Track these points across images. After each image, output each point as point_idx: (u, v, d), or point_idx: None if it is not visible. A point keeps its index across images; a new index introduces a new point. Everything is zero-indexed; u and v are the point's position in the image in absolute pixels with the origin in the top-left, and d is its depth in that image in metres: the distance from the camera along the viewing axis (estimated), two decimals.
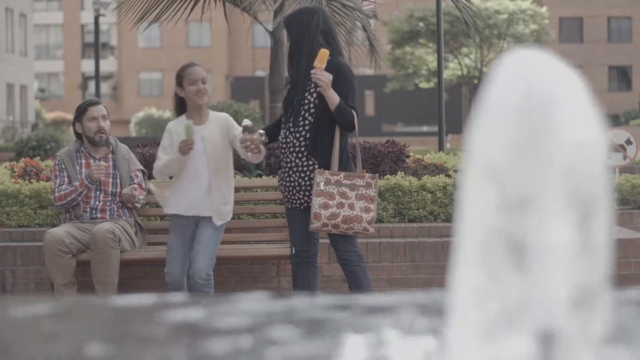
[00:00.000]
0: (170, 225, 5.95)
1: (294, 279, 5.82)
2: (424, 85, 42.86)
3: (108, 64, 61.30)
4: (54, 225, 6.98)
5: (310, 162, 5.54)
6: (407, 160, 8.27)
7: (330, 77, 5.39)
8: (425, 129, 46.55)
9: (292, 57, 5.63)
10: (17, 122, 44.54)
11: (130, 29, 9.49)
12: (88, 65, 60.25)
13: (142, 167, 6.87)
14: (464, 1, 9.32)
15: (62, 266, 6.25)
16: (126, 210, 6.67)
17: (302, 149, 5.54)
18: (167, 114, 49.42)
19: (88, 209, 6.56)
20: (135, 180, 6.71)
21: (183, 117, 5.85)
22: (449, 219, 7.40)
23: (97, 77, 24.79)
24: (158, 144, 8.88)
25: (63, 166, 6.61)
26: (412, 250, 7.09)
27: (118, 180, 6.65)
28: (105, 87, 61.02)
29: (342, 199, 5.43)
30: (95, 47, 25.33)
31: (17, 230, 7.22)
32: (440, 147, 13.11)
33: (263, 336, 1.13)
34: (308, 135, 5.53)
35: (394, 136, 15.11)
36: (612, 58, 54.60)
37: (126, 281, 6.76)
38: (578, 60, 53.15)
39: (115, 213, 6.61)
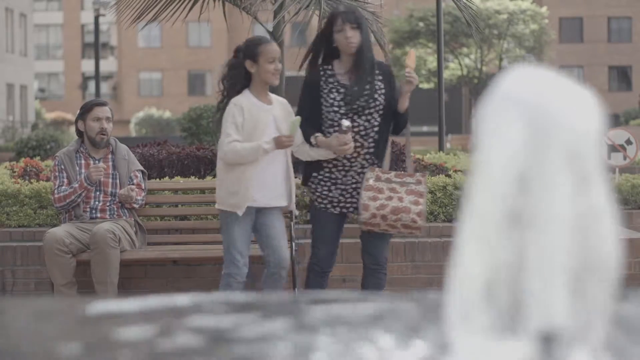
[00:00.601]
0: (230, 220, 5.43)
1: (307, 286, 5.69)
2: (423, 85, 42.86)
3: (108, 64, 61.29)
4: (54, 225, 6.97)
5: (370, 162, 5.54)
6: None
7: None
8: (425, 129, 46.53)
9: (362, 51, 5.47)
10: (17, 122, 44.55)
11: (127, 27, 9.48)
12: (88, 65, 60.24)
13: (141, 168, 6.87)
14: (465, 1, 9.31)
15: (62, 266, 6.25)
16: (126, 210, 6.67)
17: (371, 150, 5.51)
18: (167, 114, 49.46)
19: (88, 209, 6.57)
20: (135, 181, 6.71)
21: (247, 92, 5.43)
22: (449, 219, 7.39)
23: (97, 77, 24.80)
24: (158, 144, 8.93)
25: (62, 167, 6.61)
26: (412, 250, 7.08)
27: (117, 181, 6.65)
28: (105, 87, 61.01)
29: (392, 193, 5.40)
30: (95, 47, 25.34)
31: (17, 230, 7.22)
32: (440, 147, 13.10)
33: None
34: (376, 136, 5.51)
35: (394, 136, 15.08)
36: (612, 58, 54.60)
37: (126, 281, 6.76)
38: (578, 60, 53.17)
39: (115, 213, 6.61)
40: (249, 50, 5.42)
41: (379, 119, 5.50)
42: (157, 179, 7.64)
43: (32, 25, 49.63)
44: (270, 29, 9.00)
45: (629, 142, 9.73)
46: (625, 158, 9.68)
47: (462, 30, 38.21)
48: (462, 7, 9.17)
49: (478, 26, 9.48)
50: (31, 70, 49.26)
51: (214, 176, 7.79)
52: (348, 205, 5.55)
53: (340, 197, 5.55)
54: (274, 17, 8.83)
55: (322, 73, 5.54)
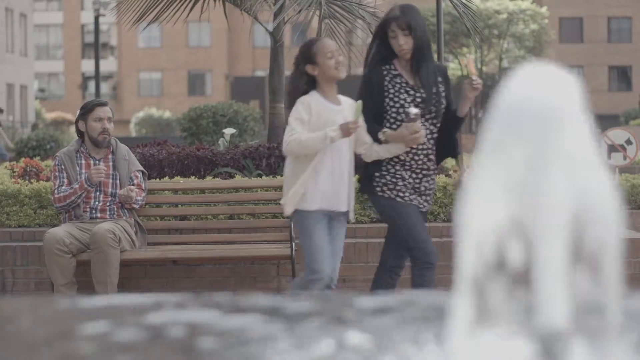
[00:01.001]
0: (305, 222, 5.16)
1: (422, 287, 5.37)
2: None
3: (108, 64, 61.33)
4: (54, 225, 6.98)
5: (434, 166, 5.46)
6: None
7: None
8: None
9: (423, 51, 5.32)
10: (17, 122, 44.56)
11: (129, 29, 9.49)
12: (88, 65, 60.29)
13: (141, 168, 6.87)
14: (463, 1, 9.32)
15: (62, 266, 6.26)
16: (126, 210, 6.67)
17: (432, 151, 5.40)
18: (167, 114, 49.45)
19: (88, 209, 6.57)
20: (135, 181, 6.71)
21: (315, 93, 5.17)
22: (449, 219, 7.39)
23: (97, 77, 24.82)
24: (158, 144, 8.94)
25: (62, 167, 6.61)
26: None
27: (118, 181, 6.65)
28: (105, 87, 61.05)
29: None
30: (95, 47, 25.36)
31: (17, 230, 7.22)
32: None
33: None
34: (436, 139, 5.42)
35: None
36: (612, 58, 54.62)
37: (126, 281, 6.76)
38: (578, 60, 53.18)
39: (115, 213, 6.61)
40: (304, 55, 5.18)
41: (438, 122, 5.41)
42: (157, 179, 7.65)
43: (32, 25, 49.65)
44: (271, 29, 9.01)
45: (629, 142, 9.74)
46: (625, 158, 9.68)
47: (462, 30, 38.22)
48: (462, 13, 9.17)
49: (477, 29, 9.47)
50: (31, 70, 49.27)
51: (214, 176, 7.81)
52: (421, 206, 5.42)
53: (411, 196, 5.38)
54: (274, 18, 8.84)
55: (385, 73, 5.36)
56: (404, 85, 5.34)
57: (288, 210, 5.19)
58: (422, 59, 5.33)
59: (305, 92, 5.16)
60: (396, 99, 5.32)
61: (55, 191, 6.55)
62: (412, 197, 5.36)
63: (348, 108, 5.22)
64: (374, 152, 5.28)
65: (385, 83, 5.34)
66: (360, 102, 5.15)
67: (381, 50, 5.40)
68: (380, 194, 5.36)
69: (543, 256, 1.02)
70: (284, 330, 1.17)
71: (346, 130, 5.02)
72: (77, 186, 6.49)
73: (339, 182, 5.19)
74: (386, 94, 5.34)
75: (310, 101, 5.13)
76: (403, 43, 5.26)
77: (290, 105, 5.21)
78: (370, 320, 1.23)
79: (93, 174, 6.45)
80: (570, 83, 1.05)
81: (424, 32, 5.35)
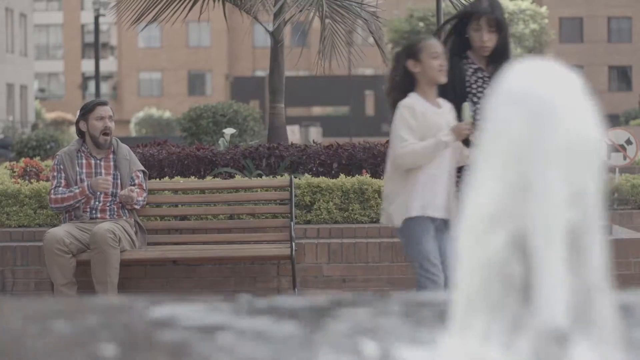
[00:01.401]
0: (418, 229, 4.87)
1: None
2: None
3: (108, 64, 61.30)
4: (54, 225, 6.97)
5: None
6: None
7: None
8: None
9: (506, 48, 5.12)
10: (17, 122, 44.55)
11: (128, 28, 9.49)
12: (88, 65, 60.24)
13: (142, 168, 6.87)
14: (463, 1, 9.32)
15: (62, 266, 6.26)
16: (126, 210, 6.66)
17: None
18: (167, 114, 49.42)
19: (88, 209, 6.57)
20: (136, 181, 6.70)
21: (415, 95, 4.87)
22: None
23: (97, 77, 24.83)
24: (158, 144, 8.94)
25: (61, 167, 6.60)
26: None
27: (119, 181, 6.64)
28: (105, 87, 61.00)
29: None
30: (95, 47, 25.37)
31: (17, 230, 7.22)
32: None
33: None
34: None
35: None
36: (612, 58, 54.61)
37: (126, 281, 6.76)
38: (578, 60, 53.19)
39: (115, 213, 6.61)
40: (409, 50, 4.93)
41: None
42: (157, 179, 7.65)
43: (32, 25, 49.62)
44: (271, 29, 9.01)
45: (629, 142, 9.74)
46: (625, 158, 9.68)
47: None
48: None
49: None
50: (31, 70, 49.25)
51: (214, 176, 7.81)
52: None
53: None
54: (274, 18, 8.85)
55: (465, 67, 5.14)
56: (486, 79, 5.12)
57: (397, 221, 4.92)
58: (503, 56, 5.11)
59: (405, 90, 4.91)
60: (480, 95, 5.10)
61: (52, 191, 6.54)
62: None
63: (448, 111, 4.95)
64: (462, 155, 4.99)
65: (467, 77, 5.14)
66: (467, 103, 4.90)
67: (448, 43, 5.19)
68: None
69: (543, 256, 1.02)
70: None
71: (459, 132, 4.77)
72: (77, 191, 6.48)
73: (439, 188, 4.89)
74: (469, 89, 5.13)
75: (414, 104, 4.84)
76: (487, 40, 5.06)
77: (392, 106, 4.93)
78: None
79: (100, 184, 6.44)
80: (570, 77, 1.06)
81: (507, 32, 5.15)
